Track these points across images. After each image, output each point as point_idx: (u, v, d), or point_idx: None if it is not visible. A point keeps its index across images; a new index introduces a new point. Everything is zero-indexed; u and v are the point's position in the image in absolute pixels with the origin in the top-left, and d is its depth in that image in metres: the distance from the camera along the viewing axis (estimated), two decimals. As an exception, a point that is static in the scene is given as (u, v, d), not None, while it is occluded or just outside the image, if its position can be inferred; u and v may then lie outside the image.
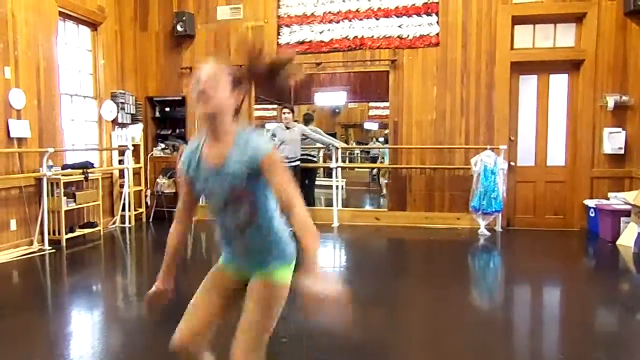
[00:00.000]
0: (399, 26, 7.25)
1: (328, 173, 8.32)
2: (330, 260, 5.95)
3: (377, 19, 7.31)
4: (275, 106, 11.76)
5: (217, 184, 1.88)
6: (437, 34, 7.16)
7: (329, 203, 8.07)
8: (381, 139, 11.94)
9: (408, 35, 7.24)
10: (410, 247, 6.62)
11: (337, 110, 13.02)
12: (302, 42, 7.56)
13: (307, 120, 8.83)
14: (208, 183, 1.91)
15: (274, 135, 7.10)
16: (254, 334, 2.00)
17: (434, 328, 3.68)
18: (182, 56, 7.91)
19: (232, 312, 2.19)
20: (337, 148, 7.66)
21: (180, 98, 7.98)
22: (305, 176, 7.73)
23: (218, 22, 7.79)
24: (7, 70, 5.59)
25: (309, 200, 8.47)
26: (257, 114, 11.22)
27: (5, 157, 5.59)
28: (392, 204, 7.64)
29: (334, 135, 12.75)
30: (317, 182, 8.87)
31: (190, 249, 6.84)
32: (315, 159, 8.59)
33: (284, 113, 7.08)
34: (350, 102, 12.19)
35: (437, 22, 7.14)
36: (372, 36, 7.36)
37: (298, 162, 7.04)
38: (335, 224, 7.30)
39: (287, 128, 7.00)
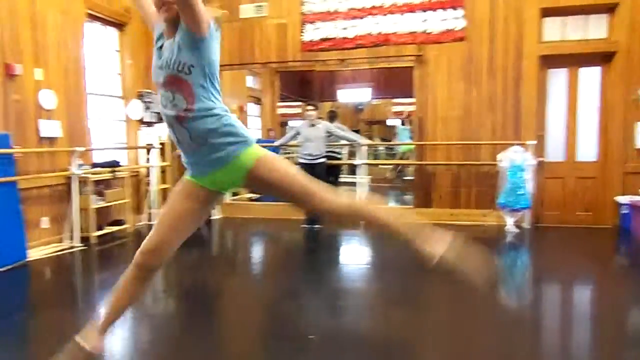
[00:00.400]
0: (424, 21, 7.17)
1: (352, 170, 8.28)
2: (356, 258, 5.93)
3: (402, 14, 7.24)
4: (299, 103, 11.81)
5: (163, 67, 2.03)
6: (463, 29, 7.05)
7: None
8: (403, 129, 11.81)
9: (433, 30, 7.15)
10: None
11: (360, 107, 12.98)
12: (326, 39, 7.54)
13: (332, 117, 8.81)
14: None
15: (298, 133, 7.10)
16: (299, 186, 2.07)
17: (459, 328, 3.63)
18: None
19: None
20: (360, 145, 7.61)
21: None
22: (329, 173, 7.71)
23: (241, 20, 7.82)
24: (37, 72, 5.71)
25: None
26: (281, 111, 11.29)
27: (36, 156, 5.72)
28: (417, 200, 7.57)
29: (357, 132, 12.72)
30: (341, 179, 8.85)
31: (216, 244, 6.92)
32: (340, 156, 8.56)
33: (308, 110, 7.07)
34: (375, 98, 12.16)
35: (463, 16, 7.03)
36: (397, 32, 7.29)
37: (323, 160, 7.02)
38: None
39: (312, 125, 6.99)
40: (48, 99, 5.83)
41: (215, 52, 2.01)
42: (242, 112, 9.50)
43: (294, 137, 7.27)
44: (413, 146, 8.13)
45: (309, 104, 7.23)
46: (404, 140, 11.09)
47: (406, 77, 7.59)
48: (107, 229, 6.56)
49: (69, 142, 6.15)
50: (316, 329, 3.56)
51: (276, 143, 7.78)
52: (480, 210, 7.11)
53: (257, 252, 6.62)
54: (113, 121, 7.34)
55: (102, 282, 5.03)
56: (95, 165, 6.50)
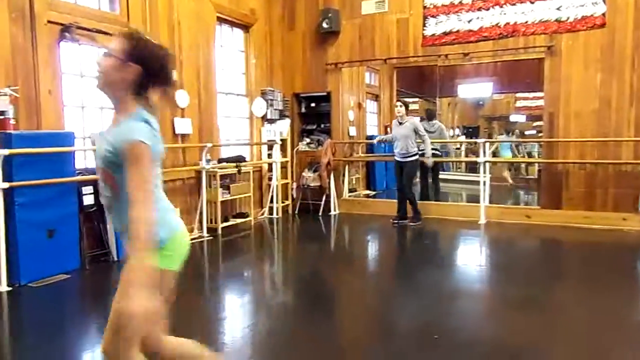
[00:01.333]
0: (557, 8, 6.65)
1: (471, 168, 7.96)
2: (475, 259, 5.68)
3: (532, 3, 6.78)
4: (417, 99, 11.58)
5: (98, 157, 1.90)
6: (603, 14, 6.44)
7: (472, 199, 7.73)
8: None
9: (568, 18, 6.61)
10: (567, 248, 6.08)
11: (480, 103, 12.41)
12: (448, 33, 7.28)
13: (430, 115, 8.50)
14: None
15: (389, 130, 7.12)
16: (117, 317, 1.89)
17: (593, 341, 3.31)
18: (327, 53, 8.08)
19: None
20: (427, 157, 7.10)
21: (325, 94, 8.16)
22: (426, 170, 7.61)
23: (363, 17, 7.81)
24: (173, 73, 6.14)
25: (435, 195, 8.24)
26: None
27: (171, 152, 6.17)
28: (544, 201, 7.08)
29: (477, 128, 12.17)
30: (459, 177, 8.57)
31: (334, 239, 7.00)
32: (439, 153, 8.29)
33: (396, 107, 6.98)
34: (497, 93, 11.57)
35: (604, 1, 6.42)
36: (527, 21, 6.84)
37: (412, 158, 6.86)
38: (482, 220, 6.95)
39: (400, 123, 6.88)
40: (182, 98, 6.26)
41: None
42: (360, 108, 9.52)
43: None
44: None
45: (397, 101, 7.15)
46: (505, 155, 10.56)
47: (532, 69, 7.11)
48: (232, 221, 6.91)
49: (200, 138, 6.56)
50: (438, 328, 3.45)
51: (376, 139, 7.83)
52: (619, 213, 6.46)
53: (373, 248, 6.59)
54: (238, 118, 7.71)
55: (227, 271, 5.30)
56: (221, 160, 6.87)
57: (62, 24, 4.92)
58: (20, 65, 4.61)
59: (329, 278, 5.07)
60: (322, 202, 8.02)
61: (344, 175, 8.34)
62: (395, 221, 6.98)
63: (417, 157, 6.90)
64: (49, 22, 4.83)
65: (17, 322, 3.91)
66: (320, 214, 7.97)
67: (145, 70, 1.86)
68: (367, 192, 9.53)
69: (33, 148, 4.46)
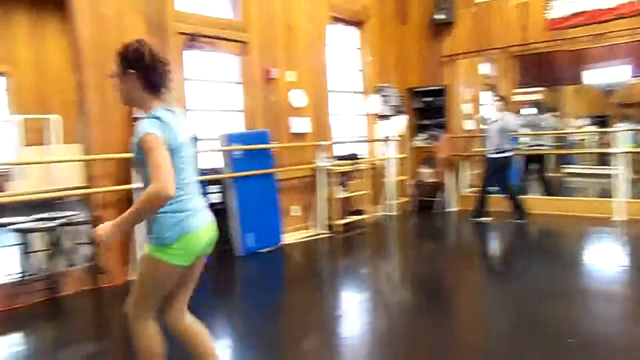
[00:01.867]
0: None
1: (602, 161, 7.28)
2: (615, 259, 5.17)
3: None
4: (537, 89, 10.86)
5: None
6: None
7: (603, 193, 7.09)
8: None
9: None
10: None
11: (610, 89, 11.28)
12: (578, 13, 6.72)
13: (540, 108, 7.83)
14: None
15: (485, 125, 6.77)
16: (135, 297, 2.24)
17: None
18: (441, 45, 7.86)
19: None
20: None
21: (440, 88, 7.95)
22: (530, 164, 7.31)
23: (479, 4, 7.48)
24: (290, 74, 6.35)
25: (542, 189, 7.66)
26: (518, 98, 10.54)
27: (288, 150, 6.37)
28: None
29: (607, 117, 11.08)
30: (589, 171, 7.89)
31: (452, 237, 6.79)
32: (544, 147, 7.68)
33: (494, 101, 6.66)
34: (636, 76, 10.46)
35: None
36: (670, -5, 6.11)
37: (499, 155, 6.52)
38: (618, 217, 6.34)
39: (496, 119, 6.59)
40: (298, 98, 6.44)
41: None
42: (475, 101, 9.12)
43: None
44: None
45: (495, 95, 6.76)
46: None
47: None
48: (349, 218, 6.97)
49: (316, 136, 6.70)
50: (574, 332, 3.20)
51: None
52: None
53: (492, 246, 6.30)
54: (353, 116, 7.76)
55: (345, 268, 5.35)
56: (338, 157, 6.95)
57: (188, 34, 5.29)
58: (153, 75, 5.01)
59: (447, 277, 4.92)
60: (439, 199, 7.81)
61: (461, 171, 8.06)
62: (474, 219, 6.80)
63: (508, 154, 6.59)
64: (177, 32, 5.21)
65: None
66: (437, 211, 7.77)
67: (138, 69, 2.10)
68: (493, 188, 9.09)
69: (166, 151, 4.83)
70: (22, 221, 4.27)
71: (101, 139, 4.60)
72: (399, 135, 7.90)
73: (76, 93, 4.92)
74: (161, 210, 2.03)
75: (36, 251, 4.25)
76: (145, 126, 2.00)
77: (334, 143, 7.02)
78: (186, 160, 2.15)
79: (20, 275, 4.05)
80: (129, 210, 2.01)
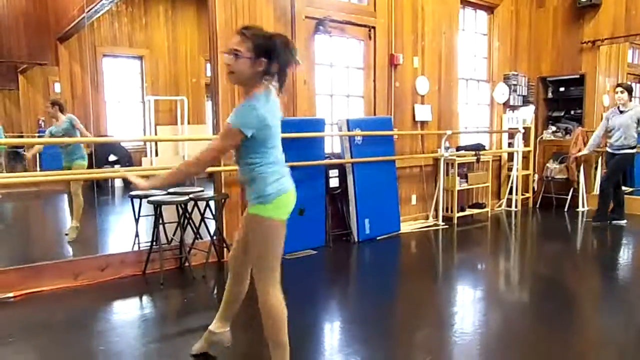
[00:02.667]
0: None
1: None
2: None
3: None
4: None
5: None
6: None
7: None
8: None
9: None
10: None
11: None
12: None
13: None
14: None
15: (607, 120, 6.05)
16: (256, 263, 2.42)
17: None
18: (582, 29, 7.21)
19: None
20: None
21: (577, 76, 7.32)
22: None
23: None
24: (415, 60, 6.16)
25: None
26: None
27: (410, 138, 6.22)
28: None
29: None
30: None
31: (577, 239, 6.25)
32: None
33: (616, 93, 5.98)
34: None
35: None
36: None
37: (627, 151, 5.94)
38: None
39: (621, 112, 5.92)
40: (423, 84, 6.24)
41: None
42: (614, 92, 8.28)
43: (605, 126, 6.20)
44: None
45: (618, 85, 6.04)
46: None
47: None
48: (468, 211, 6.69)
49: (439, 125, 6.48)
50: None
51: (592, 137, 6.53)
52: None
53: (628, 252, 5.69)
54: (478, 105, 7.39)
55: (461, 262, 5.13)
56: (460, 148, 6.67)
57: (317, 18, 5.30)
58: (282, 59, 5.09)
59: (571, 280, 4.53)
60: (569, 197, 7.24)
61: (596, 168, 7.38)
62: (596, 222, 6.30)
63: (633, 150, 6.00)
64: (306, 17, 5.24)
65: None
66: (566, 209, 7.21)
67: (270, 60, 2.21)
68: (624, 188, 8.28)
69: (290, 133, 4.90)
70: (156, 194, 4.54)
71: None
72: (526, 127, 7.42)
73: (209, 76, 5.11)
74: (260, 172, 2.30)
75: (168, 223, 4.51)
76: (232, 115, 2.24)
77: (457, 133, 6.74)
78: (276, 137, 2.36)
79: (152, 244, 4.33)
80: (172, 169, 2.41)
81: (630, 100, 6.06)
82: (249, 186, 2.37)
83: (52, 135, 5.32)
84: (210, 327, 2.83)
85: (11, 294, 3.67)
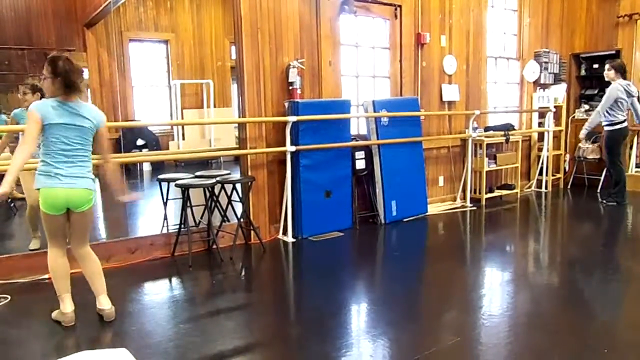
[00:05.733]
0: None
1: None
2: None
3: None
4: None
5: None
6: None
7: None
8: None
9: None
10: None
11: None
12: None
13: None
14: None
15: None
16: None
17: None
18: (619, 3, 6.95)
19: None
20: None
21: (613, 52, 7.07)
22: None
23: None
24: (442, 39, 6.03)
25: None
26: None
27: (437, 119, 6.12)
28: None
29: None
30: None
31: (613, 220, 6.09)
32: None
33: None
34: None
35: None
36: None
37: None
38: None
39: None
40: (450, 64, 6.12)
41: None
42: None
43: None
44: None
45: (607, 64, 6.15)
46: None
47: None
48: (497, 192, 6.59)
49: (467, 105, 6.36)
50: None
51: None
52: None
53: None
54: (508, 84, 7.22)
55: (489, 244, 5.05)
56: (488, 128, 6.54)
57: (342, -2, 5.22)
58: (306, 40, 5.05)
59: (604, 263, 4.40)
60: (602, 178, 7.05)
61: (630, 147, 7.16)
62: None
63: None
64: (331, -4, 5.17)
65: (299, 266, 4.48)
66: (598, 190, 7.03)
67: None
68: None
69: (315, 115, 4.87)
70: (184, 177, 4.58)
71: (255, 103, 4.75)
72: (558, 106, 7.22)
73: (234, 59, 5.10)
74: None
75: (195, 206, 4.56)
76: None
77: (485, 112, 6.61)
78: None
79: (180, 226, 4.38)
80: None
81: (619, 78, 6.04)
82: None
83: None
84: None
85: (47, 275, 3.76)
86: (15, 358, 2.72)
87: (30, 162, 3.92)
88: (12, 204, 6.11)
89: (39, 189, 2.94)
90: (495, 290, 3.70)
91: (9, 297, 3.46)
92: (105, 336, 2.99)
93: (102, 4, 7.40)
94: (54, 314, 3.15)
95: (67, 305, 3.08)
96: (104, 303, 3.16)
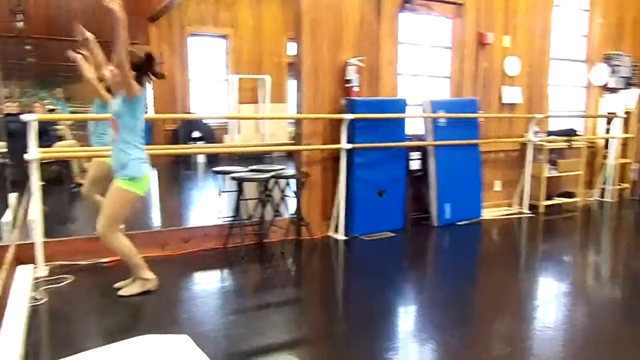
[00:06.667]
0: None
1: None
2: None
3: None
4: None
5: None
6: None
7: None
8: None
9: None
10: None
11: None
12: None
13: None
14: None
15: None
16: (105, 215, 3.21)
17: None
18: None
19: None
20: None
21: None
22: None
23: None
24: (506, 39, 5.85)
25: None
26: None
27: (497, 121, 5.94)
28: None
29: None
30: None
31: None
32: None
33: None
34: None
35: None
36: None
37: None
38: None
39: None
40: (512, 65, 5.92)
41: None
42: None
43: None
44: None
45: None
46: None
47: None
48: (556, 200, 6.33)
49: (528, 108, 6.14)
50: None
51: None
52: None
53: None
54: (573, 87, 6.93)
55: (546, 253, 4.87)
56: (550, 133, 6.30)
57: (404, -5, 5.14)
58: (366, 37, 5.00)
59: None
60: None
61: None
62: None
63: None
64: (392, -6, 5.10)
65: (349, 264, 4.49)
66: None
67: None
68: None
69: (372, 113, 4.83)
70: (239, 170, 4.64)
71: (312, 99, 4.75)
72: (627, 112, 6.86)
73: (292, 55, 5.12)
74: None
75: (249, 199, 4.61)
76: None
77: (548, 116, 6.36)
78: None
79: (234, 219, 4.44)
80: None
81: None
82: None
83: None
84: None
85: (106, 259, 3.91)
86: (76, 335, 2.83)
87: (101, 150, 4.11)
88: (75, 189, 6.39)
89: (141, 177, 3.18)
90: (551, 301, 3.56)
91: (72, 277, 3.60)
92: (157, 321, 3.07)
93: (167, -2, 7.62)
94: (129, 290, 3.32)
95: (149, 273, 3.35)
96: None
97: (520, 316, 3.25)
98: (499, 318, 3.22)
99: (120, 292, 3.30)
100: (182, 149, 8.10)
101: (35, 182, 3.66)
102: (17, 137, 5.41)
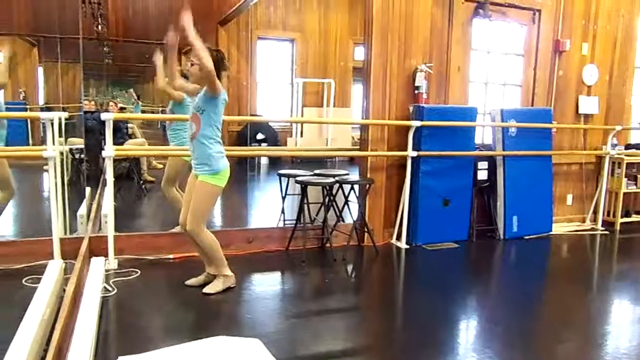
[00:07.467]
0: None
1: None
2: None
3: None
4: None
5: None
6: None
7: None
8: None
9: None
10: None
11: None
12: None
13: None
14: None
15: None
16: (194, 211, 3.27)
17: None
18: None
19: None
20: None
21: None
22: None
23: None
24: (584, 47, 5.59)
25: None
26: None
27: (571, 132, 5.69)
28: None
29: None
30: None
31: None
32: None
33: None
34: None
35: None
36: None
37: None
38: None
39: None
40: (591, 74, 5.65)
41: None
42: None
43: None
44: None
45: None
46: None
47: None
48: (634, 217, 5.98)
49: (606, 119, 5.84)
50: None
51: None
52: None
53: None
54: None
55: (621, 273, 4.59)
56: (630, 146, 5.97)
57: (477, 1, 5.02)
58: (436, 43, 4.92)
59: None
60: None
61: None
62: None
63: None
64: (465, 0, 4.99)
65: (411, 273, 4.39)
66: None
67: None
68: None
69: (440, 121, 4.73)
70: (303, 174, 4.67)
71: (379, 105, 4.71)
72: None
73: (358, 59, 5.10)
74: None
75: (312, 203, 4.62)
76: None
77: (628, 129, 6.03)
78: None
79: (297, 222, 4.46)
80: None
81: None
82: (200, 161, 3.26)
83: None
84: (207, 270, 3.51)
85: (171, 256, 4.03)
86: (143, 328, 2.93)
87: (179, 150, 4.25)
88: (143, 185, 6.64)
89: (224, 170, 3.27)
90: (625, 325, 3.34)
91: (139, 271, 3.73)
92: (221, 320, 3.12)
93: (237, 3, 7.79)
94: (213, 287, 3.40)
95: (229, 270, 3.47)
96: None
97: (589, 340, 3.07)
98: (565, 340, 3.06)
99: (205, 290, 3.38)
100: (247, 150, 8.25)
101: (110, 178, 3.83)
102: (92, 134, 5.72)
